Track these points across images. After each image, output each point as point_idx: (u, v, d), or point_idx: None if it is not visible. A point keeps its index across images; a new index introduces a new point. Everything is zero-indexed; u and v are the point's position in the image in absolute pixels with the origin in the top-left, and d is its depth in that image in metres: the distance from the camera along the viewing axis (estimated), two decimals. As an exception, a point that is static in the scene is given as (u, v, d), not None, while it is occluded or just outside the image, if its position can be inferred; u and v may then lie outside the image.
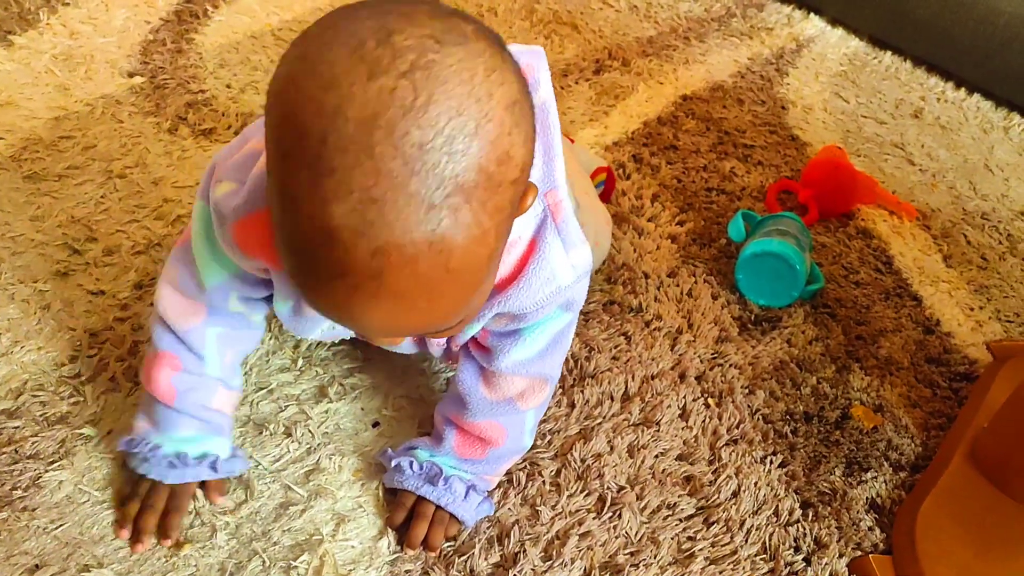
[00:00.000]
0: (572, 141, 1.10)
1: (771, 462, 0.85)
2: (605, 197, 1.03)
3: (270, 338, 0.87)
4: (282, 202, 0.50)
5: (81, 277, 0.90)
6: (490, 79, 0.49)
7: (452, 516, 0.76)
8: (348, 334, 0.76)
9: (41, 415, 0.78)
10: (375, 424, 0.83)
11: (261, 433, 0.81)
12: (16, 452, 0.76)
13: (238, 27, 1.27)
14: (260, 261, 0.66)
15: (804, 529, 0.81)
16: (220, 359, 0.75)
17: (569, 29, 1.40)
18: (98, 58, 1.17)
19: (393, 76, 0.46)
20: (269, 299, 0.74)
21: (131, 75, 1.15)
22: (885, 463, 0.87)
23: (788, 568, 0.78)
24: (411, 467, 0.77)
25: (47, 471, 0.75)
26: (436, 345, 0.76)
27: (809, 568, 0.78)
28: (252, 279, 0.71)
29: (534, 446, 0.83)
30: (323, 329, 0.73)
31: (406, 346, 0.78)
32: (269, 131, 0.50)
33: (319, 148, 0.47)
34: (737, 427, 0.88)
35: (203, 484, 0.76)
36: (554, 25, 1.40)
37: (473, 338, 0.73)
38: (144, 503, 0.74)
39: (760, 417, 0.89)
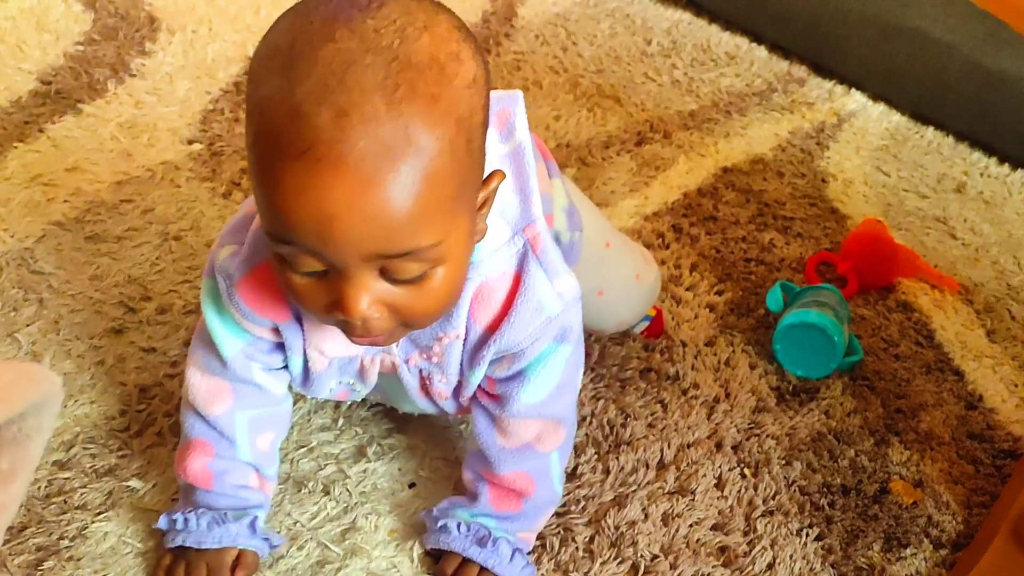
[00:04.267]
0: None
1: (807, 535, 0.85)
2: (651, 334, 1.01)
3: (311, 397, 0.90)
4: (254, 107, 0.55)
5: (134, 334, 0.93)
6: (437, 6, 0.57)
7: None
8: (358, 395, 0.78)
9: (91, 467, 0.81)
10: (411, 485, 0.84)
11: (300, 490, 0.82)
12: (65, 502, 0.78)
13: (293, 98, 1.33)
14: (269, 319, 0.69)
15: (841, 605, 0.80)
16: (251, 444, 0.76)
17: (612, 102, 1.43)
18: (160, 126, 1.22)
19: None
20: (287, 367, 0.75)
21: (190, 142, 1.21)
22: (925, 540, 0.86)
23: (824, 644, 0.77)
24: (458, 528, 0.77)
25: (94, 522, 0.77)
26: (446, 399, 0.76)
27: (846, 645, 0.77)
28: (266, 346, 0.73)
29: (567, 511, 0.83)
30: (331, 387, 0.75)
31: (421, 402, 0.78)
32: (250, 66, 0.58)
33: (288, 50, 0.54)
34: (773, 498, 0.87)
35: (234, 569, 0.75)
36: (597, 98, 1.44)
37: (481, 388, 0.75)
38: None
39: (797, 489, 0.89)
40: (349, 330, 0.61)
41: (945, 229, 1.27)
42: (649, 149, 1.34)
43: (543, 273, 0.68)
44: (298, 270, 0.58)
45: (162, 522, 0.75)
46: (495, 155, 0.67)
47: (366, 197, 0.53)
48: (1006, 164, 1.40)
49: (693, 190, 1.27)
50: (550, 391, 0.73)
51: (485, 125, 0.60)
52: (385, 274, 0.58)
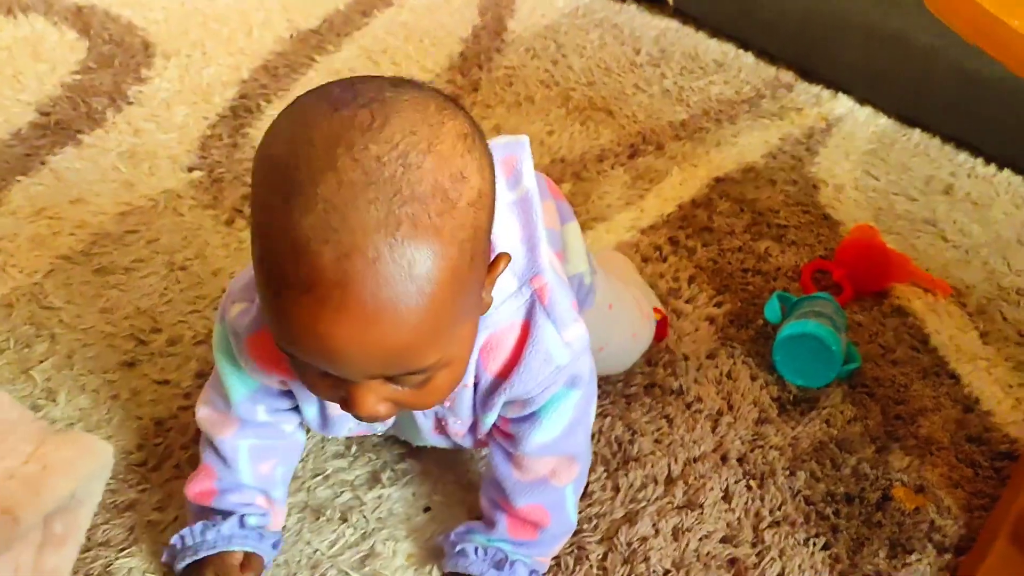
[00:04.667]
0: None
1: (814, 544, 0.87)
2: (656, 339, 1.03)
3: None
4: (258, 231, 0.56)
5: (147, 367, 0.95)
6: (442, 112, 0.56)
7: None
8: (373, 428, 0.80)
9: (111, 503, 0.83)
10: (427, 509, 0.86)
11: (318, 519, 0.84)
12: (88, 540, 0.79)
13: (290, 121, 1.34)
14: (276, 374, 0.71)
15: (849, 612, 0.82)
16: (253, 469, 0.78)
17: (604, 115, 1.45)
18: (160, 154, 1.24)
19: (354, 108, 0.54)
20: (297, 408, 0.77)
21: (191, 169, 1.22)
22: (929, 545, 0.88)
23: (834, 652, 0.79)
24: (476, 552, 0.79)
25: (118, 558, 0.79)
26: (462, 436, 0.78)
27: (855, 652, 0.79)
28: (275, 392, 0.75)
29: (580, 530, 0.85)
30: (350, 427, 0.77)
31: (437, 440, 0.80)
32: (252, 175, 0.57)
33: (290, 172, 0.53)
34: (779, 509, 0.90)
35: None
36: (589, 112, 1.45)
37: (496, 426, 0.76)
38: None
39: (802, 499, 0.91)
40: (354, 415, 0.63)
41: (935, 231, 1.30)
42: (643, 161, 1.36)
43: (551, 324, 0.68)
44: (306, 367, 0.60)
45: (165, 556, 0.78)
46: (502, 203, 0.66)
47: (370, 335, 0.54)
48: (992, 165, 1.43)
49: (688, 201, 1.29)
50: (562, 430, 0.74)
51: (490, 224, 0.60)
52: (391, 379, 0.60)
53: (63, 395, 0.91)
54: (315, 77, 1.45)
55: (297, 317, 0.55)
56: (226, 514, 0.77)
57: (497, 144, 0.68)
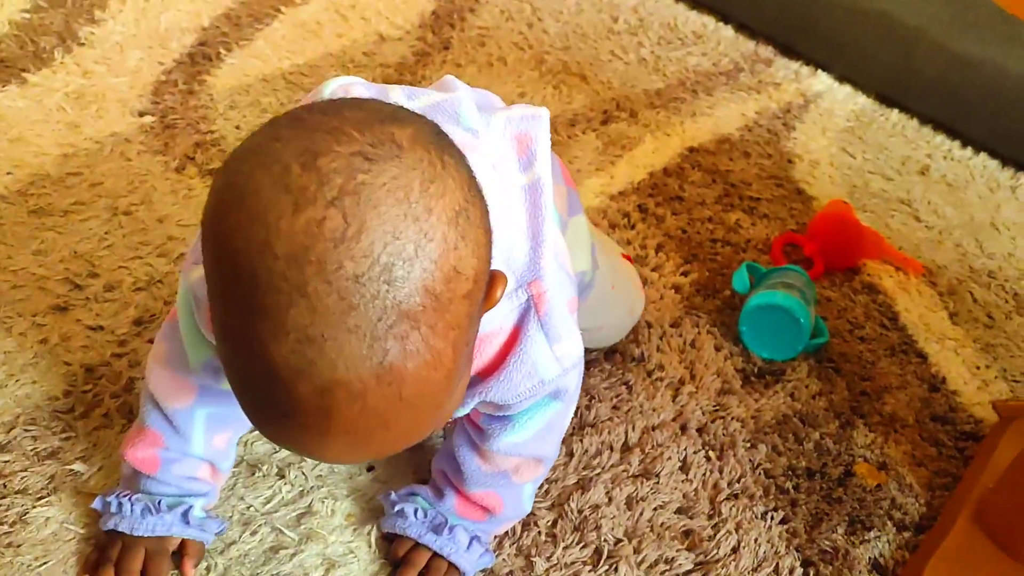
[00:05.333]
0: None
1: (772, 518, 0.84)
2: None
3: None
4: (223, 337, 0.48)
5: (80, 312, 0.90)
6: (428, 193, 0.46)
7: (451, 565, 0.74)
8: None
9: (32, 450, 0.78)
10: (370, 468, 0.82)
11: (254, 474, 0.80)
12: (4, 487, 0.75)
13: (250, 70, 1.29)
14: None
15: (805, 588, 0.79)
16: (207, 441, 0.72)
17: (578, 80, 1.41)
18: (110, 97, 1.18)
19: (320, 206, 0.44)
20: None
21: (141, 114, 1.16)
22: (889, 522, 0.85)
23: (788, 628, 0.76)
24: (415, 514, 0.75)
25: (35, 507, 0.74)
26: None
27: (810, 629, 0.76)
28: None
29: (530, 495, 0.81)
30: None
31: None
32: (205, 263, 0.48)
33: (251, 287, 0.44)
34: (738, 481, 0.86)
35: (179, 553, 0.72)
36: (563, 76, 1.41)
37: (469, 417, 0.71)
38: (118, 567, 0.70)
39: (762, 472, 0.88)
40: None
41: (909, 211, 1.27)
42: (615, 128, 1.32)
43: (543, 336, 0.61)
44: None
45: (97, 503, 0.72)
46: (510, 186, 0.60)
47: (360, 448, 0.49)
48: (969, 147, 1.40)
49: (659, 170, 1.25)
50: (534, 434, 0.70)
51: (483, 282, 0.51)
52: None
53: (-12, 337, 0.86)
54: (279, 28, 1.39)
55: (281, 434, 0.49)
56: (171, 495, 0.72)
57: (512, 116, 0.61)
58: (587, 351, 0.94)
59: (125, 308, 0.91)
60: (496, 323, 0.60)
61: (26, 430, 0.79)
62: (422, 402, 0.48)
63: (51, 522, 0.73)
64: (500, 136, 0.61)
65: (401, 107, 0.52)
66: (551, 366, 0.63)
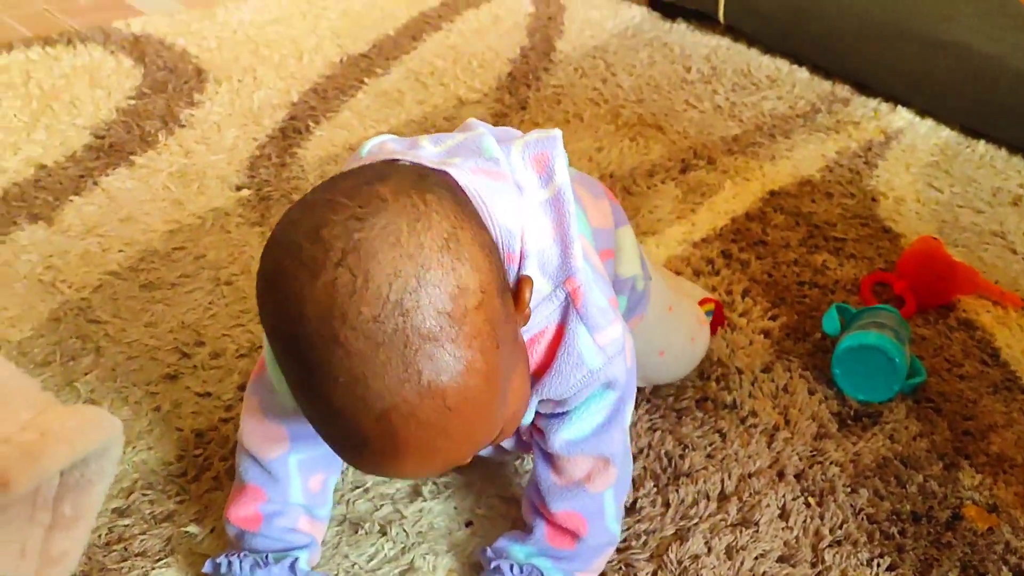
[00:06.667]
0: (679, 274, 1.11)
1: (878, 565, 0.82)
2: (712, 330, 1.01)
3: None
4: (296, 395, 0.57)
5: (190, 380, 0.94)
6: (415, 231, 0.54)
7: None
8: None
9: (149, 513, 0.82)
10: (468, 523, 0.83)
11: (357, 532, 0.82)
12: (125, 550, 0.78)
13: (337, 140, 1.35)
14: None
15: (918, 637, 0.77)
16: (303, 485, 0.76)
17: (654, 131, 1.43)
18: (210, 174, 1.25)
19: (331, 269, 0.53)
20: None
21: (239, 188, 1.23)
22: (1004, 567, 0.82)
23: None
24: (511, 570, 0.76)
25: (153, 569, 0.77)
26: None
27: None
28: None
29: (628, 547, 0.81)
30: None
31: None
32: (266, 338, 0.59)
33: (299, 349, 0.54)
34: (840, 527, 0.85)
35: None
36: (639, 128, 1.43)
37: (532, 422, 0.74)
38: None
39: (864, 517, 0.86)
40: None
41: (1004, 244, 1.24)
42: (694, 176, 1.33)
43: (584, 328, 0.66)
44: None
45: (207, 566, 0.75)
46: (533, 202, 0.65)
47: (433, 462, 0.57)
48: (1063, 175, 1.37)
49: (741, 215, 1.25)
50: (592, 429, 0.72)
51: (503, 294, 0.59)
52: None
53: (106, 406, 0.91)
54: (363, 99, 1.45)
55: (363, 462, 0.58)
56: (276, 551, 0.75)
57: (529, 141, 0.67)
58: (665, 389, 0.95)
59: (230, 374, 0.95)
60: (543, 323, 0.66)
61: (143, 494, 0.83)
62: (470, 406, 0.55)
63: (169, 583, 0.77)
64: (519, 160, 0.66)
65: (389, 164, 0.60)
66: (595, 355, 0.67)
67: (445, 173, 0.60)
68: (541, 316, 0.66)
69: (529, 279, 0.62)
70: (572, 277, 0.66)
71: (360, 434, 0.54)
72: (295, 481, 0.75)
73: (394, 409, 0.53)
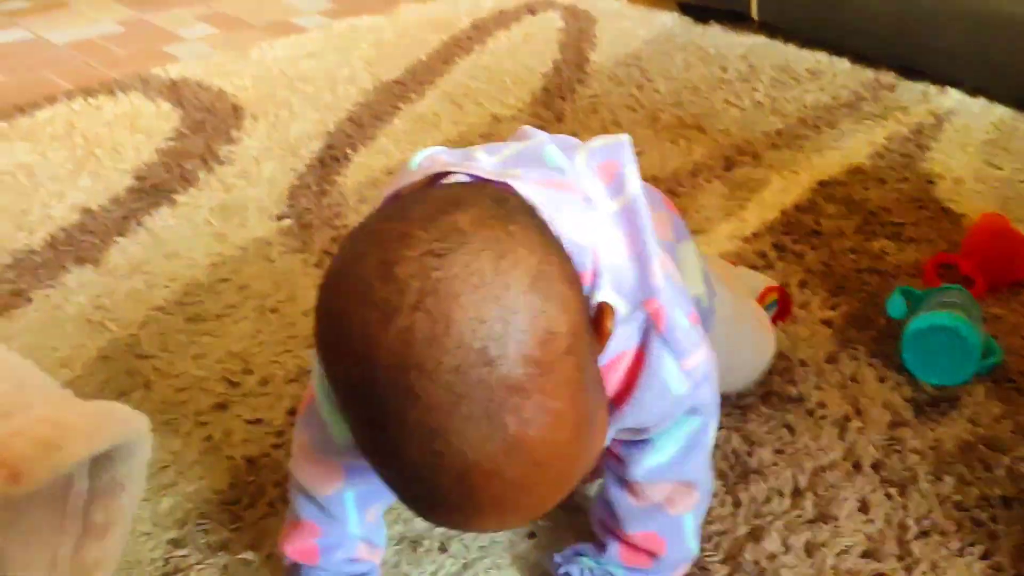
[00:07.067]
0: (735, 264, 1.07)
1: (971, 554, 0.76)
2: (780, 318, 0.98)
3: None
4: (362, 448, 0.51)
5: (239, 408, 0.93)
6: (501, 269, 0.48)
7: None
8: None
9: (204, 543, 0.80)
10: (531, 535, 0.80)
11: (416, 550, 0.79)
12: (182, 581, 0.77)
13: (375, 165, 1.34)
14: None
15: (1022, 629, 0.71)
16: (361, 518, 0.72)
17: (695, 132, 1.40)
18: (250, 207, 1.25)
19: (406, 313, 0.46)
20: None
21: (280, 218, 1.22)
22: (1108, 548, 0.76)
23: (1009, 675, 0.68)
24: (582, 575, 0.73)
25: (211, 598, 0.75)
26: None
27: (1035, 674, 0.68)
28: None
29: (701, 549, 0.77)
30: None
31: None
32: (332, 388, 0.52)
33: (369, 402, 0.48)
34: (927, 517, 0.80)
35: None
36: (679, 130, 1.40)
37: (608, 448, 0.69)
38: None
39: (952, 505, 0.81)
40: None
41: (1073, 216, 1.18)
42: (740, 172, 1.30)
43: (668, 352, 0.60)
44: None
45: None
46: (604, 214, 0.59)
47: (517, 514, 0.51)
48: None
49: (791, 207, 1.21)
50: (675, 454, 0.68)
51: (589, 331, 0.53)
52: None
53: (157, 439, 0.88)
54: (399, 124, 1.45)
55: (442, 520, 0.52)
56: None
57: (594, 149, 0.61)
58: (726, 396, 0.91)
59: (280, 400, 0.94)
60: (619, 348, 0.59)
61: (198, 524, 0.81)
62: (558, 460, 0.49)
63: (227, 611, 0.75)
64: (585, 169, 0.60)
65: (463, 187, 0.54)
66: (681, 382, 0.61)
67: (515, 191, 0.54)
68: (618, 340, 0.58)
69: (611, 308, 0.55)
70: (654, 298, 0.59)
71: (437, 492, 0.48)
72: (352, 516, 0.72)
73: (476, 467, 0.47)
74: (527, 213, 0.52)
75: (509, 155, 0.62)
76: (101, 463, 0.40)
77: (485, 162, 0.61)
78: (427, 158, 0.62)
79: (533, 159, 0.60)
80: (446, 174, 0.57)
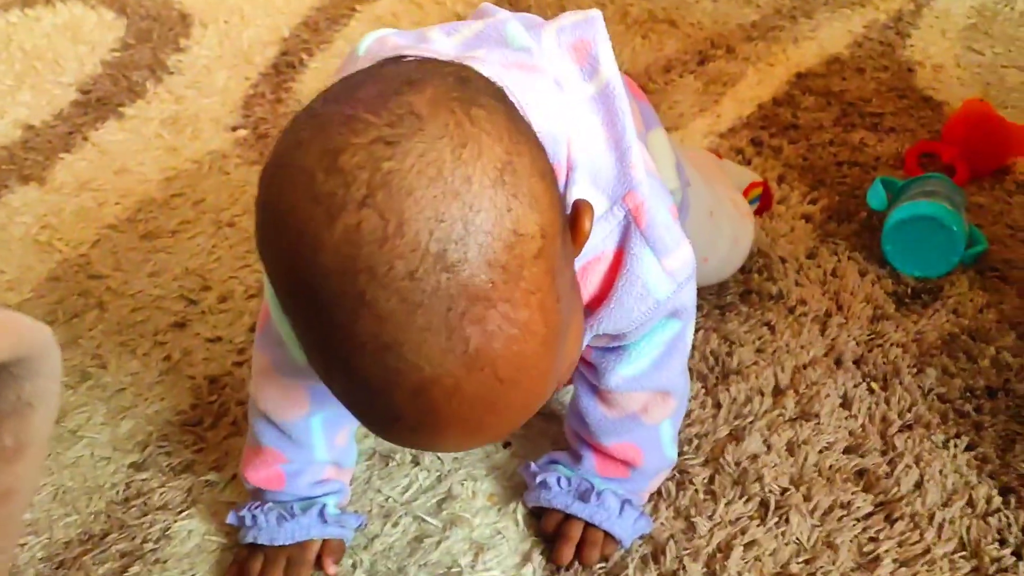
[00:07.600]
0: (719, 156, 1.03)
1: (956, 446, 0.75)
2: (760, 212, 0.95)
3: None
4: (311, 358, 0.46)
5: (198, 326, 0.89)
6: (461, 160, 0.42)
7: (607, 534, 0.69)
8: None
9: (167, 465, 0.77)
10: (507, 444, 0.78)
11: (388, 464, 0.77)
12: (145, 504, 0.74)
13: (332, 70, 1.27)
14: None
15: (1008, 518, 0.70)
16: (330, 443, 0.69)
17: (666, 26, 1.34)
18: (203, 118, 1.18)
19: (353, 209, 0.41)
20: None
21: (235, 129, 1.16)
22: (1094, 435, 0.75)
23: (995, 564, 0.68)
24: (559, 483, 0.70)
25: (176, 521, 0.73)
26: None
27: (1021, 562, 0.67)
28: None
29: (681, 452, 0.75)
30: None
31: None
32: (274, 290, 0.47)
33: (314, 308, 0.43)
34: (909, 411, 0.78)
35: (319, 553, 0.70)
36: (650, 24, 1.34)
37: (582, 358, 0.66)
38: None
39: (935, 397, 0.79)
40: None
41: (1057, 101, 1.15)
42: (713, 66, 1.24)
43: (649, 251, 0.55)
44: None
45: (231, 518, 0.70)
46: (579, 98, 0.54)
47: (478, 433, 0.46)
48: (1115, 22, 1.26)
49: (767, 100, 1.17)
50: (652, 362, 0.64)
51: (564, 232, 0.47)
52: None
53: (113, 361, 0.86)
54: (357, 26, 1.38)
55: (397, 437, 0.47)
56: (303, 504, 0.69)
57: (563, 26, 0.56)
58: (702, 291, 0.88)
59: (240, 317, 0.90)
60: (596, 249, 0.55)
61: (159, 447, 0.78)
62: (524, 375, 0.44)
63: (193, 535, 0.72)
64: (555, 49, 0.55)
65: (422, 63, 0.47)
66: (664, 283, 0.57)
67: (478, 72, 0.48)
68: (595, 240, 0.54)
69: (589, 205, 0.50)
70: (633, 191, 0.54)
71: (391, 409, 0.44)
72: (319, 442, 0.68)
73: (435, 383, 0.42)
74: (493, 96, 0.46)
75: (469, 35, 0.56)
76: (4, 381, 0.36)
77: (442, 44, 0.55)
78: (376, 41, 0.56)
79: (495, 39, 0.55)
80: (398, 59, 0.51)
